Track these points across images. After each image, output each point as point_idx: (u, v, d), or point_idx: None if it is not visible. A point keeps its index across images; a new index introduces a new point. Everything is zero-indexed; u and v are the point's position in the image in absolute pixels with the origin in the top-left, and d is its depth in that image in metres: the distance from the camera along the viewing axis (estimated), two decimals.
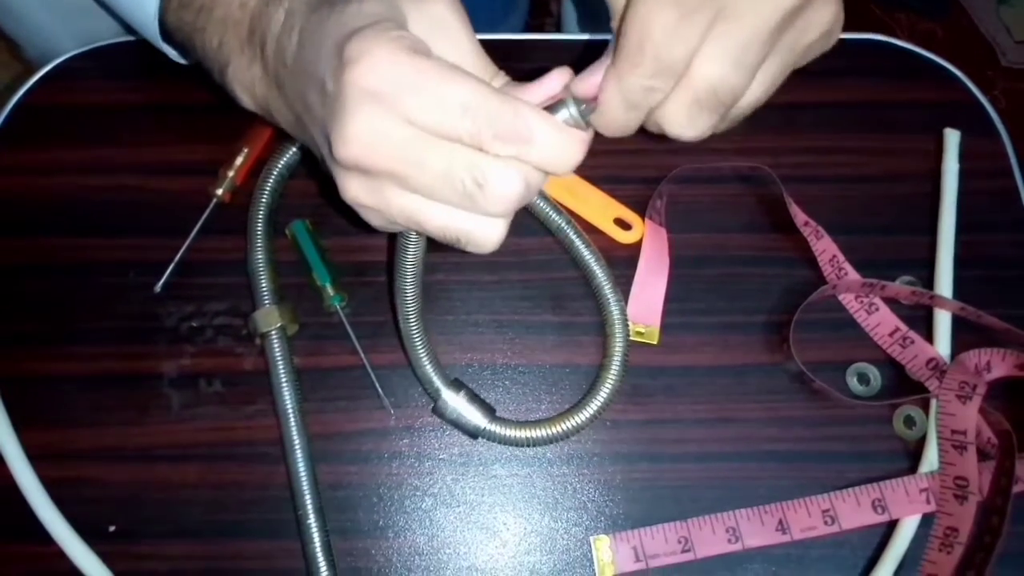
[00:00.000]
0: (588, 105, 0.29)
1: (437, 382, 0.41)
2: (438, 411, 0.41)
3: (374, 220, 0.30)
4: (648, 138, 0.32)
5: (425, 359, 0.40)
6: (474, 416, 0.41)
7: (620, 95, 0.28)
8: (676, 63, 0.27)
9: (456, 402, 0.41)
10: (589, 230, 0.45)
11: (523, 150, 0.27)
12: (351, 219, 0.30)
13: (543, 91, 0.29)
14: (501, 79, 0.30)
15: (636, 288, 0.45)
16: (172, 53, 0.43)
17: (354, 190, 0.29)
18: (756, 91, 0.30)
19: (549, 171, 0.28)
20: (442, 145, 0.27)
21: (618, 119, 0.29)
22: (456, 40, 0.29)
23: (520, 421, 0.42)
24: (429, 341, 0.41)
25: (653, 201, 0.46)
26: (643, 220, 0.46)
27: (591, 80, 0.29)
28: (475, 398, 0.41)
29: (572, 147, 0.28)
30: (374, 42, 0.26)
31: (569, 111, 0.28)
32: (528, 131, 0.27)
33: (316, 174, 0.47)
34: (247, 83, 0.35)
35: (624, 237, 0.46)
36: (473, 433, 0.41)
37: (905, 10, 1.35)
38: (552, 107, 0.28)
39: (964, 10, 1.37)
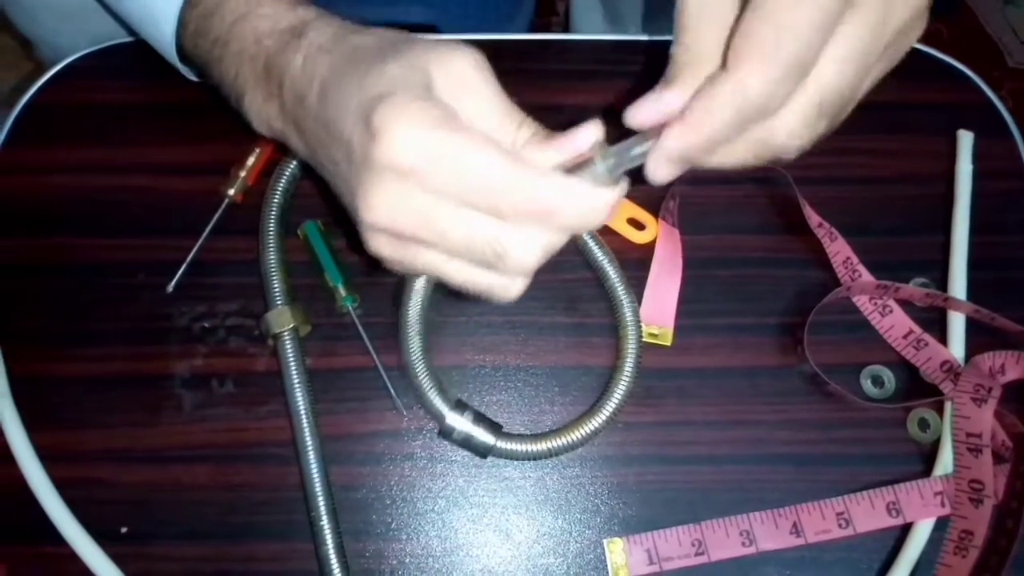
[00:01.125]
0: (619, 160, 0.27)
1: (442, 408, 0.40)
2: (444, 434, 0.41)
3: (397, 269, 0.31)
4: None
5: (429, 387, 0.40)
6: (482, 435, 0.40)
7: (735, 102, 0.25)
8: (810, 61, 0.25)
9: (462, 424, 0.40)
10: (602, 230, 0.45)
11: (544, 220, 0.27)
12: (364, 255, 0.31)
13: (571, 148, 0.28)
14: (528, 129, 0.29)
15: (649, 289, 0.45)
16: (190, 74, 0.43)
17: (378, 245, 0.30)
18: (860, 95, 0.28)
19: (573, 233, 0.28)
20: (463, 216, 0.27)
21: (717, 135, 0.26)
22: (480, 96, 0.29)
23: (529, 435, 0.42)
24: (432, 369, 0.41)
25: (666, 202, 0.46)
26: (656, 220, 0.46)
27: (649, 110, 0.27)
28: (479, 416, 0.41)
29: (596, 211, 0.27)
30: (400, 114, 0.26)
31: (599, 168, 0.27)
32: (548, 204, 0.27)
33: None
34: (263, 117, 0.36)
35: (637, 237, 0.46)
36: (483, 453, 0.41)
37: None
38: (582, 164, 0.28)
39: (970, 10, 1.36)
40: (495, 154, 0.27)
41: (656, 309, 0.44)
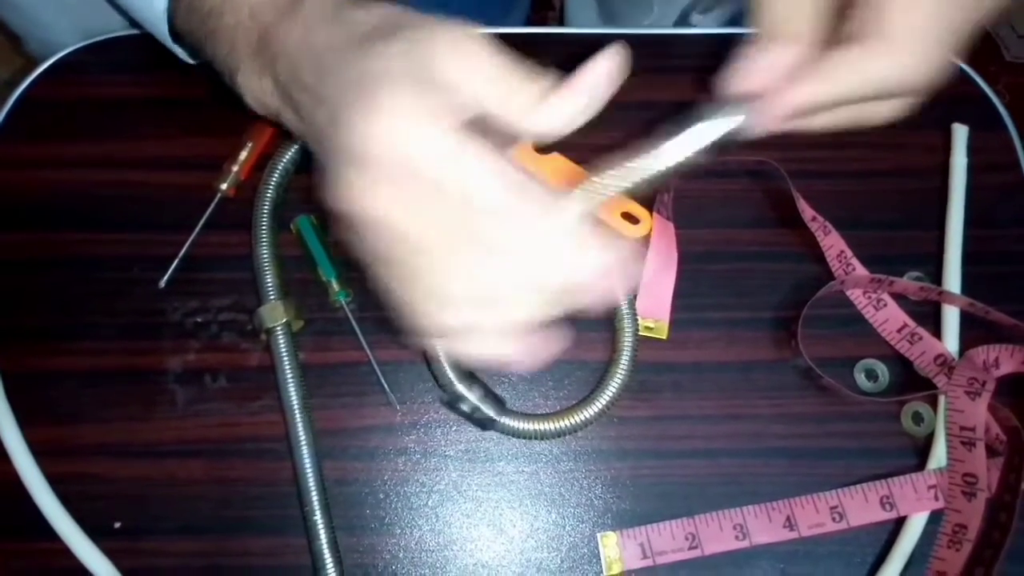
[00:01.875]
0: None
1: (452, 375, 0.41)
2: (450, 403, 0.41)
3: None
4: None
5: (443, 352, 0.40)
6: (487, 408, 0.41)
7: (853, 82, 0.26)
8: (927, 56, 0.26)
9: (469, 395, 0.41)
10: (596, 224, 0.45)
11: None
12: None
13: (585, 91, 0.28)
14: (534, 91, 0.28)
15: (644, 283, 0.45)
16: (183, 54, 0.43)
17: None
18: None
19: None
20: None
21: (839, 99, 0.27)
22: (483, 74, 0.28)
23: (531, 414, 0.42)
24: None
25: (660, 195, 0.46)
26: (651, 214, 0.46)
27: (754, 75, 0.28)
28: (487, 391, 0.41)
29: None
30: (393, 103, 0.26)
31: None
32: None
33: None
34: (257, 92, 0.35)
35: (632, 231, 0.46)
36: (483, 425, 0.41)
37: None
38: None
39: None
40: (499, 169, 0.26)
41: (652, 303, 0.44)
